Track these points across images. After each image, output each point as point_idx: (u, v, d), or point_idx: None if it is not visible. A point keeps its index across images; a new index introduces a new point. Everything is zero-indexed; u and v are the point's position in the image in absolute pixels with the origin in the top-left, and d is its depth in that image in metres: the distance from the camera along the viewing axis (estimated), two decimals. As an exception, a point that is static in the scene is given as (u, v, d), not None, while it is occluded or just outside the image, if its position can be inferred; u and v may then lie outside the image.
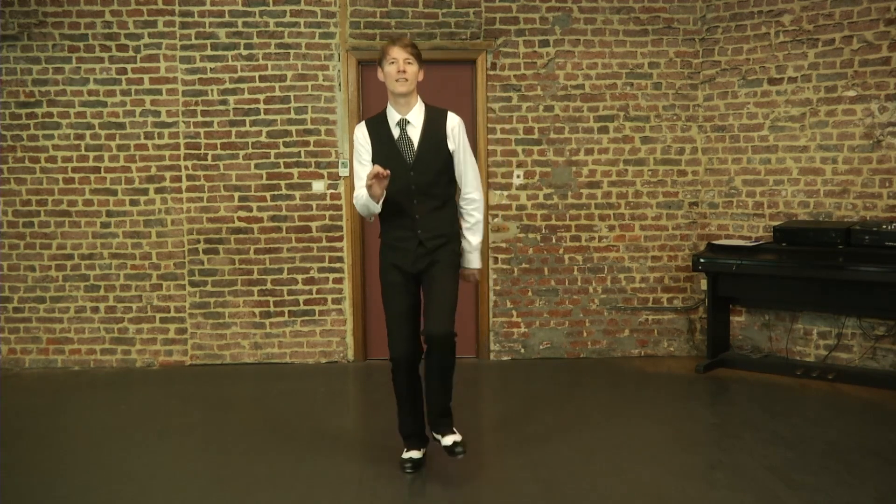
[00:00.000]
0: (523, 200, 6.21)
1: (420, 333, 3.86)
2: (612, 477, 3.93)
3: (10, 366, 6.16)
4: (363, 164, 3.85)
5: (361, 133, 3.87)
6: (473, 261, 4.00)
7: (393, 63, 3.77)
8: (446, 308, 3.78)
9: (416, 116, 3.84)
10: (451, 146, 3.84)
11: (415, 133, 3.82)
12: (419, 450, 4.05)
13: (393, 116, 3.84)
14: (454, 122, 3.87)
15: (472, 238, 3.97)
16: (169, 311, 6.17)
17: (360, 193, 3.77)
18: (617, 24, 6.17)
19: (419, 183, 3.79)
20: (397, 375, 3.93)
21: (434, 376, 3.86)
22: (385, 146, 3.81)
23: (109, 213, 6.14)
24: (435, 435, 3.95)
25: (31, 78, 6.06)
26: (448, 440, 3.88)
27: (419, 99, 3.87)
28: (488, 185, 6.13)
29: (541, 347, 6.29)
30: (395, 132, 3.83)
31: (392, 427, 4.63)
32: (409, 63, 3.77)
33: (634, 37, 6.18)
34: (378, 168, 3.58)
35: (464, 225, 3.98)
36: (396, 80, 3.76)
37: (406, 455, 4.03)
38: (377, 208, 3.75)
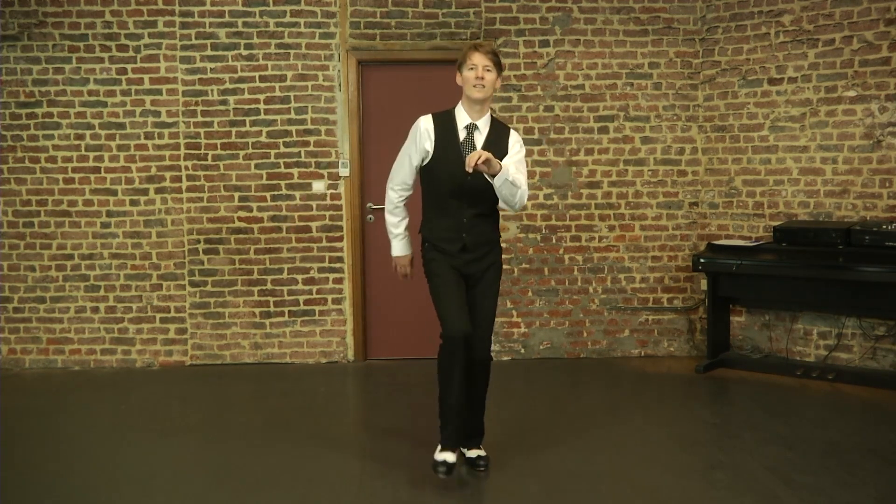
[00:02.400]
0: (523, 200, 6.20)
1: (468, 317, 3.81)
2: (613, 477, 3.93)
3: (10, 366, 6.16)
4: (411, 158, 3.85)
5: (427, 125, 3.83)
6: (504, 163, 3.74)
7: (472, 69, 3.76)
8: (488, 332, 3.93)
9: (485, 124, 3.85)
10: (512, 156, 3.82)
11: (480, 139, 3.82)
12: (454, 451, 3.86)
13: (462, 118, 3.84)
14: (516, 138, 3.91)
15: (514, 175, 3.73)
16: (169, 312, 6.17)
17: (391, 222, 4.01)
18: (617, 24, 6.17)
19: (473, 188, 3.78)
20: (449, 359, 3.75)
21: (472, 400, 3.95)
22: (448, 144, 3.80)
23: (109, 214, 6.14)
24: (461, 448, 4.06)
25: (32, 78, 6.06)
26: (473, 453, 4.04)
27: (490, 109, 3.91)
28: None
29: (541, 347, 6.29)
30: (462, 134, 3.83)
31: (392, 427, 4.64)
32: (487, 70, 3.75)
33: (634, 37, 6.18)
34: (406, 272, 4.02)
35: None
36: (474, 86, 3.76)
37: (440, 457, 3.82)
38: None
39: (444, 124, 3.84)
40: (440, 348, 3.79)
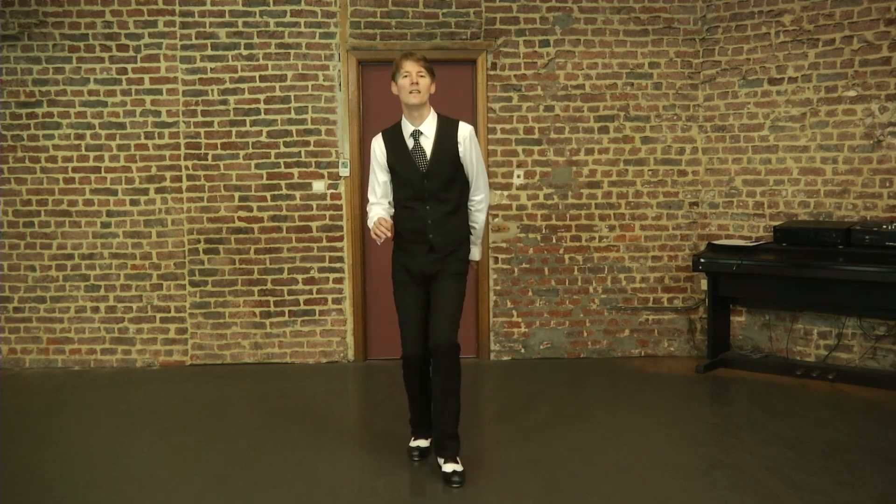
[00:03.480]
0: (523, 200, 6.21)
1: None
2: (613, 477, 3.93)
3: (10, 366, 6.16)
4: (378, 175, 4.02)
5: (378, 145, 4.02)
6: (475, 253, 4.15)
7: (406, 76, 3.89)
8: (448, 317, 3.91)
9: (429, 127, 3.96)
10: (461, 154, 3.95)
11: (427, 143, 3.95)
12: (426, 438, 4.19)
13: (407, 128, 3.97)
14: (465, 132, 3.98)
15: (476, 232, 4.13)
16: (169, 311, 6.17)
17: (371, 216, 3.98)
18: (617, 24, 6.17)
19: (431, 189, 3.93)
20: (408, 373, 4.08)
21: (439, 396, 3.91)
22: (400, 156, 3.96)
23: (110, 213, 6.14)
24: (438, 457, 4.02)
25: (32, 78, 6.06)
26: (448, 468, 3.90)
27: (432, 110, 3.98)
28: (489, 186, 6.12)
29: (541, 347, 6.29)
30: (410, 143, 3.96)
31: (392, 427, 4.64)
32: (421, 76, 3.89)
33: (635, 37, 6.18)
34: (384, 231, 3.82)
35: (469, 219, 4.11)
36: (410, 93, 3.88)
37: (414, 444, 4.20)
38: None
39: (393, 137, 4.00)
40: (402, 367, 4.09)
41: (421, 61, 3.90)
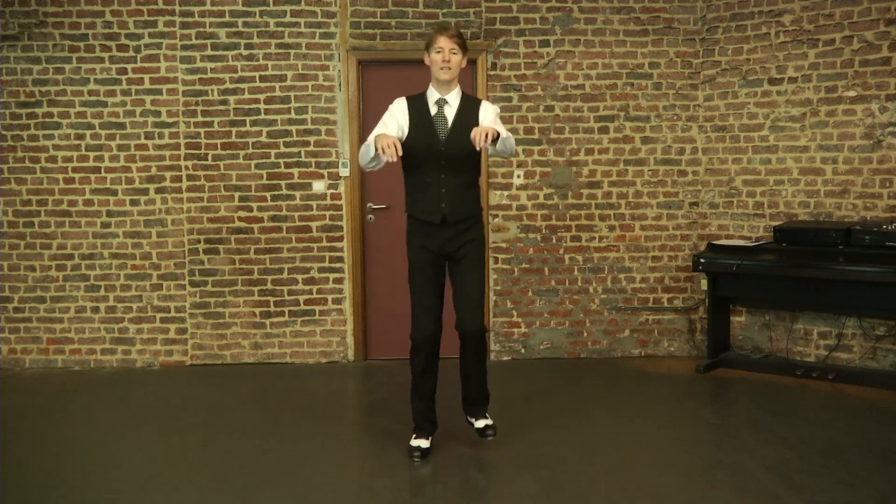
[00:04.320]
0: (523, 200, 6.21)
1: (441, 320, 4.11)
2: (613, 477, 3.93)
3: (10, 366, 6.16)
4: (392, 125, 4.00)
5: (401, 105, 4.08)
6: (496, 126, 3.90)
7: (439, 52, 4.00)
8: (478, 305, 4.06)
9: (454, 99, 4.07)
10: (482, 121, 4.02)
11: (450, 112, 4.04)
12: (427, 438, 4.22)
13: (433, 95, 4.07)
14: (488, 106, 4.10)
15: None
16: (169, 311, 6.17)
17: (370, 142, 3.91)
18: (617, 24, 6.17)
19: (448, 159, 3.99)
20: (417, 356, 4.12)
21: (471, 368, 4.17)
22: (422, 120, 4.02)
23: (110, 213, 6.14)
24: (469, 418, 4.32)
25: (32, 78, 6.06)
26: (480, 423, 4.26)
27: (459, 86, 4.11)
28: (489, 186, 6.13)
29: (541, 347, 6.28)
30: (433, 109, 4.05)
31: (392, 427, 4.64)
32: (453, 52, 4.00)
33: (635, 37, 6.18)
34: (395, 147, 3.70)
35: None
36: (441, 68, 3.99)
37: (415, 443, 4.19)
38: (376, 160, 3.92)
39: (417, 102, 4.09)
40: (411, 350, 4.13)
41: (454, 38, 4.00)
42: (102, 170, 6.13)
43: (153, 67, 6.07)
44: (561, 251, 6.25)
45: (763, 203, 6.01)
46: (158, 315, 6.18)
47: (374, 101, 6.15)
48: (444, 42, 3.98)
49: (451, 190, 4.00)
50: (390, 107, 4.10)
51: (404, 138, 4.01)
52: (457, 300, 4.07)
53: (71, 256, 6.15)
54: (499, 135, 3.78)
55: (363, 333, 6.24)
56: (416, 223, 4.08)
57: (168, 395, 5.49)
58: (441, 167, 3.99)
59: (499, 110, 4.18)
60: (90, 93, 6.08)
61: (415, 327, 4.08)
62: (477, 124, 3.98)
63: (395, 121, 4.03)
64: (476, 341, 4.08)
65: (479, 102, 4.11)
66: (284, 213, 6.15)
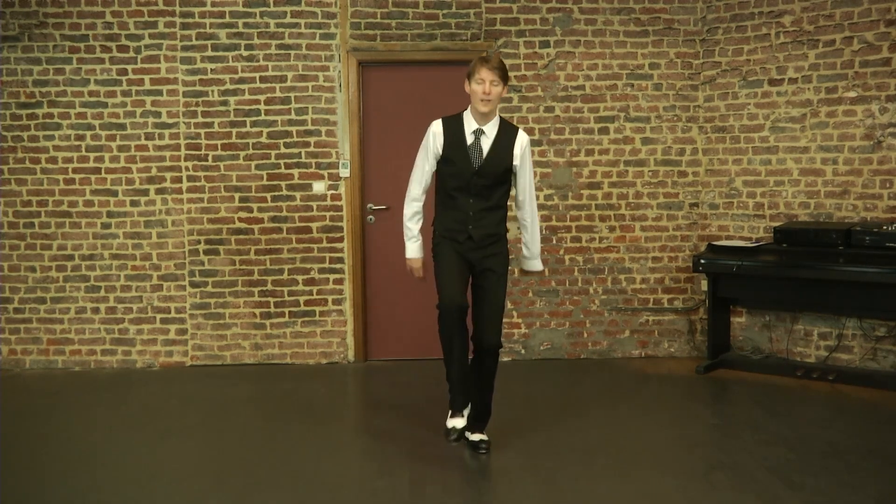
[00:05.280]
0: (524, 201, 6.21)
1: (466, 294, 4.12)
2: (613, 477, 3.92)
3: (10, 366, 6.16)
4: (426, 164, 4.17)
5: (437, 130, 4.13)
6: (536, 265, 4.45)
7: (480, 84, 4.00)
8: (496, 321, 4.13)
9: (491, 129, 4.10)
10: (515, 162, 4.13)
11: (486, 143, 4.09)
12: (462, 414, 4.27)
13: (470, 124, 4.11)
14: (523, 141, 4.16)
15: (533, 246, 4.37)
16: (169, 312, 6.17)
17: (408, 228, 4.23)
18: (617, 24, 6.17)
19: (479, 186, 4.08)
20: (447, 323, 4.08)
21: (481, 381, 4.20)
22: (456, 148, 4.09)
23: (110, 214, 6.14)
24: (466, 432, 4.29)
25: (32, 79, 6.07)
26: (475, 437, 4.26)
27: (497, 114, 4.15)
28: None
29: (541, 348, 6.28)
30: (470, 139, 4.09)
31: (392, 428, 4.64)
32: (494, 84, 4.00)
33: (635, 38, 6.18)
34: (420, 274, 4.25)
35: (523, 235, 4.37)
36: (481, 101, 4.01)
37: (450, 423, 4.24)
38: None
39: (454, 128, 4.12)
40: (438, 320, 4.11)
41: (496, 70, 3.98)
42: (103, 170, 6.13)
43: (153, 68, 6.08)
44: (561, 252, 6.25)
45: (763, 204, 6.01)
46: (158, 316, 6.18)
47: (374, 101, 6.15)
48: (486, 74, 3.97)
49: (478, 212, 4.09)
50: (427, 135, 4.15)
51: (438, 160, 4.14)
52: (477, 312, 4.14)
53: (71, 257, 6.15)
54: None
55: (363, 334, 6.24)
56: (444, 231, 4.16)
57: (168, 396, 5.49)
58: (472, 192, 4.08)
59: (530, 145, 4.22)
60: (90, 93, 6.09)
61: (442, 295, 4.06)
62: (511, 156, 4.09)
63: (430, 156, 4.14)
64: (491, 355, 4.13)
65: (515, 134, 4.13)
66: (285, 213, 6.15)
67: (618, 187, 6.24)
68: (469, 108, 4.12)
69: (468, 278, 4.17)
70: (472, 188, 4.07)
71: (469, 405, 4.30)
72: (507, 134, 4.13)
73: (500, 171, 4.08)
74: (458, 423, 4.24)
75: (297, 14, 6.07)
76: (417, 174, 4.19)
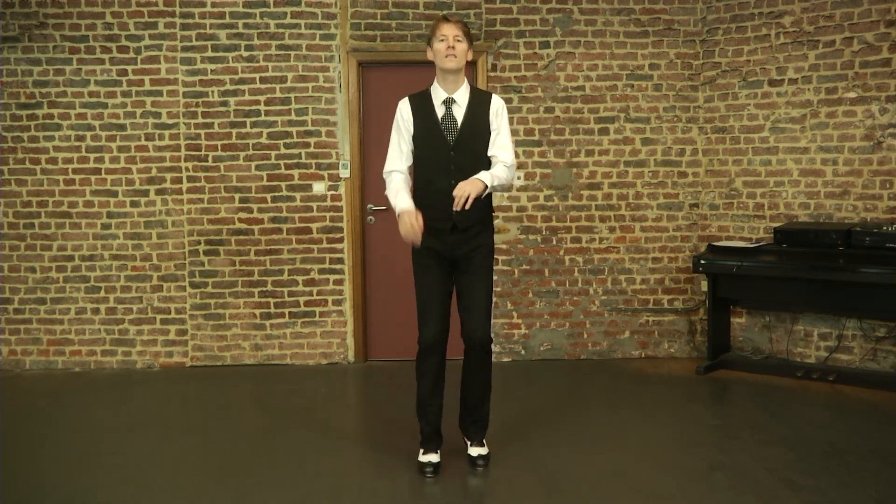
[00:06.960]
0: (524, 202, 6.21)
1: (449, 320, 3.92)
2: (613, 478, 3.92)
3: (10, 367, 6.16)
4: (401, 143, 3.87)
5: (405, 109, 3.87)
6: (482, 178, 3.74)
7: (443, 40, 3.78)
8: (483, 313, 3.88)
9: (462, 96, 3.84)
10: (492, 127, 3.84)
11: (459, 112, 3.83)
12: (437, 451, 3.99)
13: (439, 94, 3.85)
14: (498, 104, 3.88)
15: (488, 172, 3.78)
16: (169, 313, 6.17)
17: (396, 203, 3.79)
18: (617, 25, 6.17)
19: (458, 163, 3.79)
20: (425, 359, 3.90)
21: (474, 380, 3.98)
22: (428, 124, 3.83)
23: (110, 215, 6.14)
24: (465, 437, 4.12)
25: (32, 79, 6.07)
26: (474, 451, 4.04)
27: (465, 79, 3.88)
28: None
29: (541, 349, 6.28)
30: (440, 111, 3.84)
31: (392, 427, 4.63)
32: (458, 40, 3.77)
33: (635, 38, 6.18)
34: (417, 231, 3.67)
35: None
36: (446, 57, 3.76)
37: (425, 458, 3.97)
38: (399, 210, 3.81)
39: (422, 103, 3.86)
40: (417, 356, 3.93)
41: (458, 24, 3.79)
42: (103, 171, 6.13)
43: (153, 69, 6.08)
44: (561, 252, 6.25)
45: (763, 204, 6.01)
46: (158, 316, 6.18)
47: (374, 102, 6.15)
48: (447, 30, 3.75)
49: None
50: (396, 117, 3.88)
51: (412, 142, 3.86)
52: (463, 306, 3.89)
53: (71, 258, 6.15)
54: (485, 185, 3.68)
55: (363, 335, 6.24)
56: (425, 227, 3.77)
57: (168, 397, 5.49)
58: (451, 172, 3.77)
59: (506, 109, 3.90)
60: (90, 94, 6.09)
61: (423, 329, 3.86)
62: (487, 122, 3.82)
63: (403, 136, 3.86)
64: (482, 349, 3.89)
65: (489, 99, 3.86)
66: (285, 214, 6.15)
67: (618, 188, 6.24)
68: (435, 80, 3.85)
69: (450, 299, 3.91)
70: (451, 166, 3.76)
71: (442, 443, 4.03)
72: (479, 100, 3.84)
73: (477, 141, 3.80)
74: (432, 458, 3.96)
75: (297, 15, 6.08)
76: (393, 151, 3.89)
